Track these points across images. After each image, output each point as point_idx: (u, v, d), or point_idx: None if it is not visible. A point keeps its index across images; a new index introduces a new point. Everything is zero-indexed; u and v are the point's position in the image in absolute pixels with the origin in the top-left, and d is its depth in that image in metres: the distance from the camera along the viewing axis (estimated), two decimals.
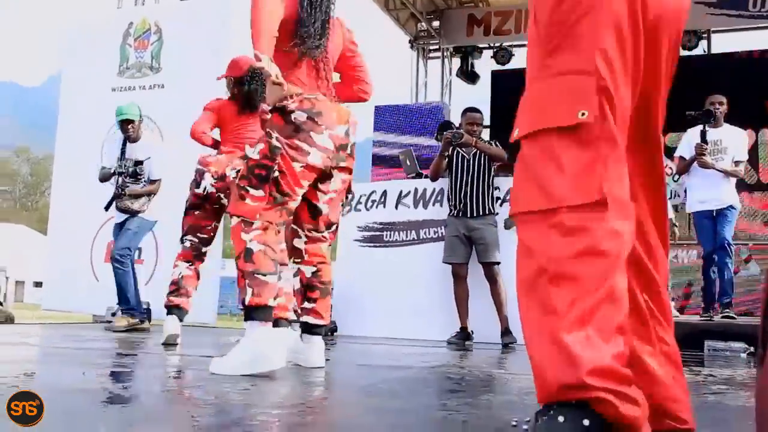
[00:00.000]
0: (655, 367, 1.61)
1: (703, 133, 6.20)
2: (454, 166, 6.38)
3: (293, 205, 3.23)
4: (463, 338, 6.08)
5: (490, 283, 6.14)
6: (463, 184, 6.29)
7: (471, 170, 6.30)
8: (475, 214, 6.23)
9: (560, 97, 1.44)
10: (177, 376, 3.09)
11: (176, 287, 4.72)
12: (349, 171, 3.45)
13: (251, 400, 2.32)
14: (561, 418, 1.32)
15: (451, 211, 6.40)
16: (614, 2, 1.45)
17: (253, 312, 3.02)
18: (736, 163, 6.34)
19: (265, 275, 3.04)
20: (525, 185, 1.47)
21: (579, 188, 1.39)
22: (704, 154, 6.16)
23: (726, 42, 11.44)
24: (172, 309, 4.69)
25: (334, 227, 3.56)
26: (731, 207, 6.32)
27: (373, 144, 11.23)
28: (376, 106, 11.30)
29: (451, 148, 6.36)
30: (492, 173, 6.35)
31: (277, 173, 3.12)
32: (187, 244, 4.80)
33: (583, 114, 1.40)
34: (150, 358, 3.76)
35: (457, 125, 6.59)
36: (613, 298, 1.35)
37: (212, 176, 4.70)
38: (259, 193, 3.12)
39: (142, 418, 1.94)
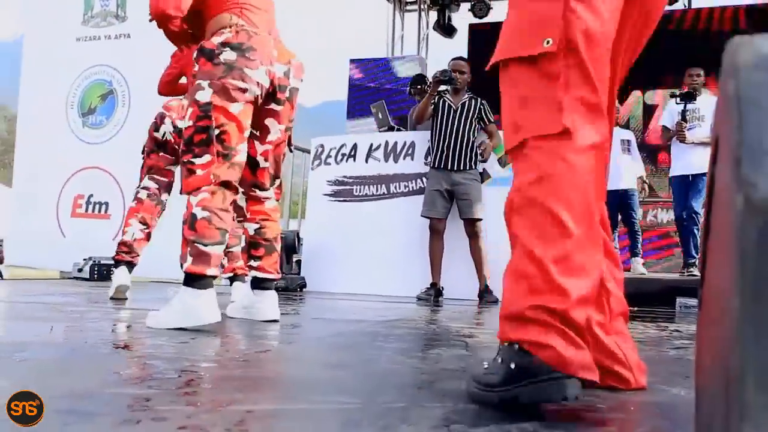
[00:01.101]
0: (603, 335, 1.61)
1: (683, 112, 6.65)
2: (439, 116, 6.18)
3: (241, 159, 3.03)
4: (433, 294, 5.96)
5: (470, 240, 6.02)
6: (448, 135, 6.11)
7: (457, 122, 6.11)
8: (458, 168, 6.07)
9: (529, 26, 1.42)
10: (116, 329, 2.93)
11: (127, 249, 4.55)
12: (288, 119, 3.27)
13: (184, 353, 2.17)
14: (499, 359, 1.39)
15: (433, 163, 6.21)
16: None
17: (191, 279, 2.84)
18: None
19: (206, 245, 2.86)
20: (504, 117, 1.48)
21: (542, 120, 1.39)
22: (683, 132, 6.61)
23: None
24: (120, 261, 4.55)
25: (278, 182, 3.39)
26: (705, 174, 6.29)
27: (349, 98, 10.99)
28: (351, 59, 11.05)
29: (438, 98, 6.15)
30: (476, 127, 6.18)
31: (217, 131, 2.91)
32: (144, 195, 4.60)
33: (547, 42, 1.38)
34: (100, 311, 3.59)
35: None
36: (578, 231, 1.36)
37: (173, 123, 4.51)
38: (206, 158, 2.91)
39: (60, 371, 1.78)
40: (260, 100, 3.10)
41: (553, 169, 1.36)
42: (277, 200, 3.42)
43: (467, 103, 6.12)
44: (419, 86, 7.42)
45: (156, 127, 4.58)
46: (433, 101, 6.17)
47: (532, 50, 1.39)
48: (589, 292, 1.36)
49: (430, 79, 6.17)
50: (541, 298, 1.33)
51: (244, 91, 2.97)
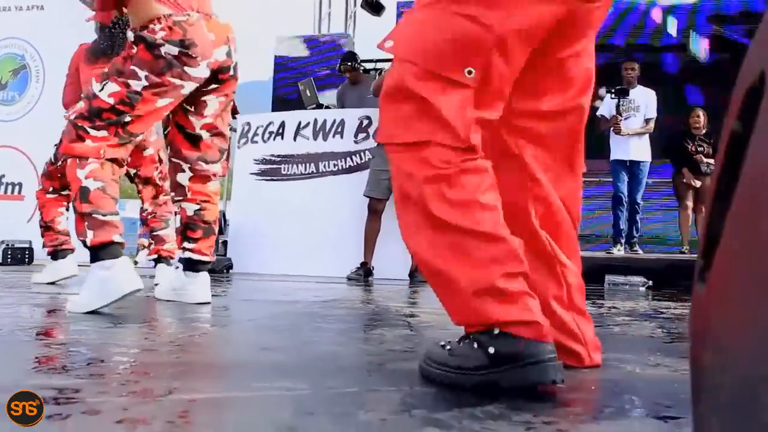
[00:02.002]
0: (560, 309, 1.59)
1: (618, 106, 7.16)
2: None
3: (137, 141, 2.90)
4: (364, 274, 5.89)
5: None
6: None
7: None
8: None
9: (453, 44, 1.37)
10: (35, 315, 2.75)
11: (68, 238, 4.40)
12: (230, 91, 3.12)
13: (112, 339, 2.03)
14: (475, 344, 1.33)
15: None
16: None
17: (99, 251, 2.67)
18: (647, 120, 7.25)
19: (105, 215, 2.70)
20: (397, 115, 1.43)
21: (449, 129, 1.36)
22: (618, 125, 7.13)
23: None
24: (66, 251, 4.37)
25: (225, 154, 3.24)
26: (643, 162, 7.22)
27: (274, 78, 10.76)
28: (277, 37, 10.81)
29: None
30: None
31: (128, 118, 2.76)
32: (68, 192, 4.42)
33: (470, 72, 1.36)
34: (16, 296, 3.38)
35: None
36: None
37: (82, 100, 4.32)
38: (102, 133, 2.75)
39: None
40: (201, 88, 2.98)
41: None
42: (224, 175, 3.28)
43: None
44: (349, 63, 7.28)
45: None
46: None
47: (455, 75, 1.36)
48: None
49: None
50: (506, 266, 1.30)
51: (181, 87, 2.83)
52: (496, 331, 1.30)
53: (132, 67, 2.77)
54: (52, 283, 4.27)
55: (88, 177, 2.71)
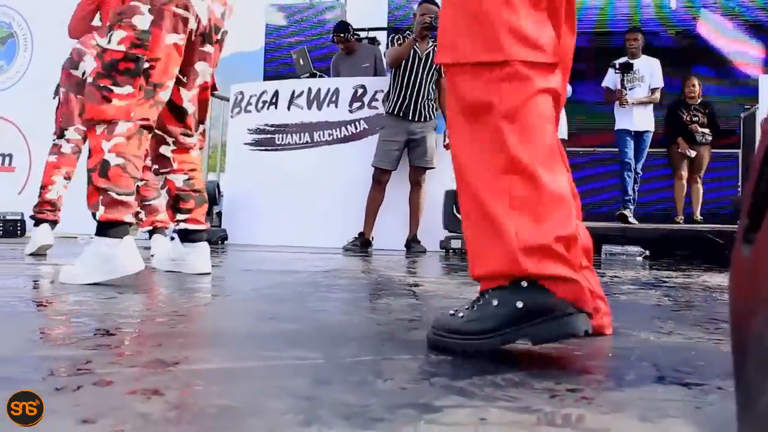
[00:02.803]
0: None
1: (622, 81, 7.16)
2: (404, 62, 5.96)
3: (164, 96, 2.79)
4: (360, 245, 5.86)
5: (413, 187, 5.95)
6: (412, 84, 5.92)
7: (421, 71, 5.93)
8: (418, 118, 5.92)
9: None
10: (35, 286, 2.70)
11: (51, 207, 4.28)
12: (215, 61, 3.05)
13: (114, 309, 1.99)
14: (495, 302, 1.29)
15: (392, 109, 6.00)
16: None
17: (106, 228, 2.61)
18: (653, 90, 7.22)
19: (120, 194, 2.63)
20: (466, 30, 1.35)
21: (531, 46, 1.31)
22: (624, 98, 7.12)
23: None
24: (44, 220, 4.28)
25: (202, 128, 3.18)
26: (647, 131, 7.23)
27: (266, 48, 10.62)
28: (269, 5, 10.66)
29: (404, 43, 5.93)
30: (435, 77, 6.00)
31: (147, 64, 2.64)
32: (68, 149, 4.30)
33: None
34: (12, 268, 3.33)
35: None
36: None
37: (94, 60, 4.20)
38: (127, 89, 2.63)
39: None
40: (194, 37, 2.87)
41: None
42: (201, 148, 3.21)
43: (431, 52, 5.94)
44: (342, 35, 7.19)
45: (73, 64, 4.24)
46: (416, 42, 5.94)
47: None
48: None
49: (419, 20, 5.91)
50: (566, 227, 1.27)
51: (186, 21, 2.74)
52: (525, 284, 1.26)
53: (133, 4, 2.67)
54: (34, 255, 4.18)
55: (111, 150, 2.62)
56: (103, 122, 2.64)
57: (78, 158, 4.38)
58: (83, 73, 4.22)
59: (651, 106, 7.29)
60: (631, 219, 7.05)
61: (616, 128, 7.31)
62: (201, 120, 3.15)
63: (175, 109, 3.01)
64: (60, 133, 4.36)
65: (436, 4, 6.14)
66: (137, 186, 4.36)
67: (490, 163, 1.30)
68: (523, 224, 1.27)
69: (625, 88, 7.15)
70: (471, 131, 1.34)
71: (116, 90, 2.63)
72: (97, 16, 4.36)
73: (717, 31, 8.92)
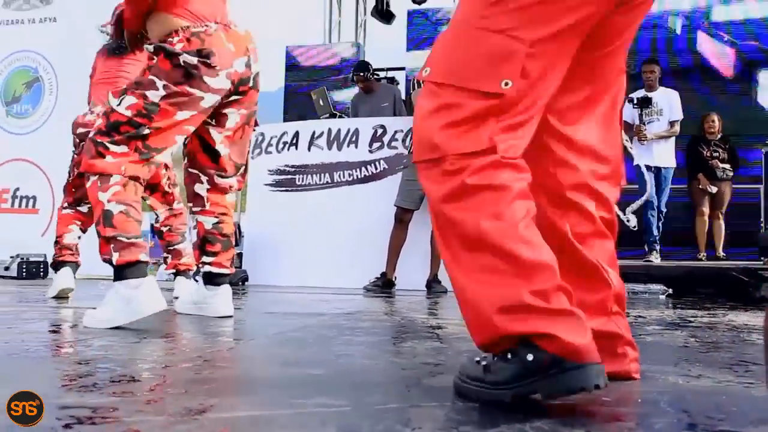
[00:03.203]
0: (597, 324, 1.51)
1: (641, 116, 6.96)
2: None
3: (160, 159, 2.83)
4: (382, 285, 5.84)
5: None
6: None
7: None
8: None
9: (487, 59, 1.36)
10: (58, 331, 2.72)
11: (70, 251, 4.33)
12: (251, 103, 3.08)
13: (139, 354, 2.00)
14: (509, 354, 1.28)
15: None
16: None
17: (124, 270, 2.63)
18: (672, 123, 7.04)
19: (129, 238, 2.66)
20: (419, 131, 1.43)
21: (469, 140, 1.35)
22: (643, 133, 6.91)
23: None
24: (65, 263, 4.31)
25: (242, 169, 3.20)
26: (667, 168, 7.04)
27: (285, 86, 10.75)
28: (287, 46, 10.82)
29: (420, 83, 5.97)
30: None
31: (147, 130, 2.70)
32: (85, 209, 4.35)
33: (506, 84, 1.34)
34: (36, 311, 3.36)
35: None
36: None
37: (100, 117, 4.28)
38: (122, 149, 2.69)
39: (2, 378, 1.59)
40: (222, 101, 2.93)
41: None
42: (239, 189, 3.24)
43: None
44: (362, 74, 7.27)
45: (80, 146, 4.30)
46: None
47: (488, 87, 1.34)
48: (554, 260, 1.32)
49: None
50: (534, 282, 1.26)
51: (201, 99, 2.78)
52: (523, 342, 1.25)
53: (150, 77, 2.74)
54: (56, 298, 4.19)
55: (110, 200, 2.66)
56: (96, 174, 2.69)
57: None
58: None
59: (672, 140, 7.11)
60: (657, 261, 6.83)
61: (634, 163, 7.02)
62: (240, 161, 3.17)
63: (209, 150, 3.04)
64: (75, 204, 4.41)
65: None
66: (161, 232, 4.43)
67: (461, 240, 1.35)
68: (495, 290, 1.28)
69: (644, 123, 6.97)
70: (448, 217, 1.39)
71: (112, 148, 2.69)
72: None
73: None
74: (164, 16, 2.82)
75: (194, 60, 2.75)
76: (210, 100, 2.84)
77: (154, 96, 2.71)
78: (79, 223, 4.41)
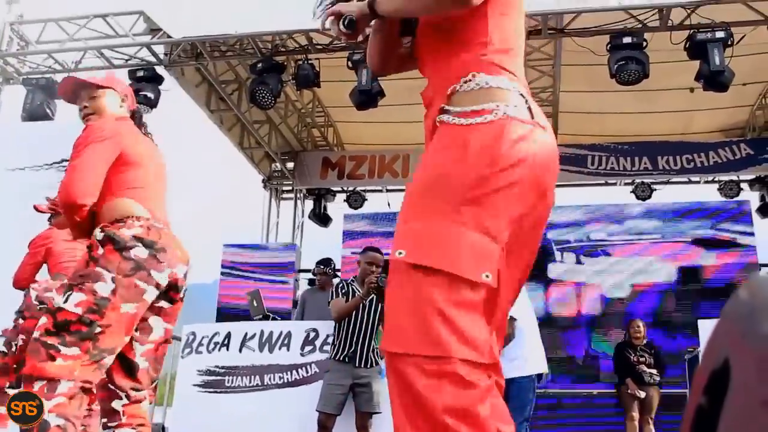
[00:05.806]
0: None
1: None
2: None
3: (109, 360, 2.73)
4: None
5: None
6: (358, 329, 5.90)
7: (368, 316, 5.96)
8: (364, 364, 5.87)
9: (468, 251, 1.48)
10: None
11: None
12: (173, 319, 3.06)
13: None
14: None
15: (337, 355, 5.90)
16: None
17: None
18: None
19: None
20: (411, 322, 1.48)
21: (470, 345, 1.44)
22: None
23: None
24: None
25: (155, 383, 3.14)
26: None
27: (220, 284, 10.79)
28: (224, 244, 10.97)
29: (348, 288, 5.99)
30: (380, 322, 6.06)
31: (99, 329, 2.62)
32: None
33: (487, 276, 1.46)
34: None
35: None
36: None
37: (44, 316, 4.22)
38: (74, 351, 2.57)
39: None
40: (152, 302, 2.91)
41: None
42: (150, 403, 3.15)
43: (374, 298, 6.00)
44: (323, 267, 7.53)
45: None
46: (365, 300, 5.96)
47: (475, 277, 1.46)
48: None
49: (367, 281, 5.85)
50: None
51: (143, 292, 2.75)
52: None
53: (98, 270, 2.67)
54: None
55: (51, 411, 2.47)
56: (43, 379, 2.55)
57: None
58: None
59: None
60: None
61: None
62: (156, 375, 3.10)
63: (126, 364, 2.96)
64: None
65: (380, 252, 6.22)
66: None
67: None
68: None
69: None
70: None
71: (63, 350, 2.57)
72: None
73: None
74: (121, 200, 2.83)
75: (144, 254, 2.72)
76: (150, 294, 2.79)
77: (103, 290, 2.63)
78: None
